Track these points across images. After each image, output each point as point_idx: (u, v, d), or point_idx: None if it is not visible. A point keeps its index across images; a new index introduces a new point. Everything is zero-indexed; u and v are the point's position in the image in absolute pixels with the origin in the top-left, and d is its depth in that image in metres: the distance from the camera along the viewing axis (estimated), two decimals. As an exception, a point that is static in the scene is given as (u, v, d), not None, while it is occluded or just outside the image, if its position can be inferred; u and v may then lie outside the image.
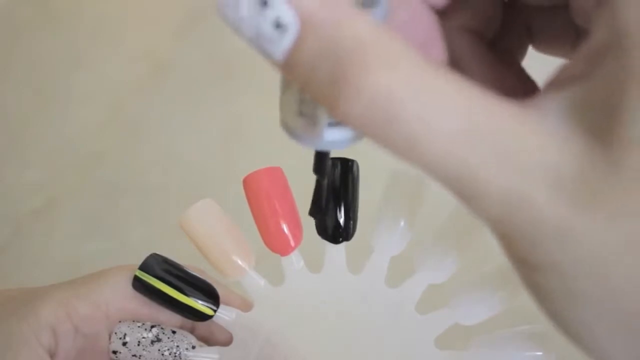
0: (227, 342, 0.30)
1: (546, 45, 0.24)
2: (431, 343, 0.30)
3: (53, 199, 0.53)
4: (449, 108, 0.17)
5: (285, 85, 0.20)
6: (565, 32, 0.24)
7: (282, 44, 0.17)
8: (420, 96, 0.17)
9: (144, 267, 0.29)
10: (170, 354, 0.28)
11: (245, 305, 0.30)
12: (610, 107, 0.17)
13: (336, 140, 0.20)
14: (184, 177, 0.53)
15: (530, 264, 0.19)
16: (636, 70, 0.17)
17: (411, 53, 0.17)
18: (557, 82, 0.19)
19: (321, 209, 0.28)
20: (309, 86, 0.18)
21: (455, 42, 0.22)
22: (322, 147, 0.20)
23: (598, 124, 0.17)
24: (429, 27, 0.22)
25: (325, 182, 0.28)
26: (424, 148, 0.17)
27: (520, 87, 0.22)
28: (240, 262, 0.30)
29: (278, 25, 0.17)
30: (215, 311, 0.29)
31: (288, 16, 0.17)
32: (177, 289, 0.29)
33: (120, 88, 0.59)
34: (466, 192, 0.18)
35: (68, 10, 0.65)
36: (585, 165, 0.17)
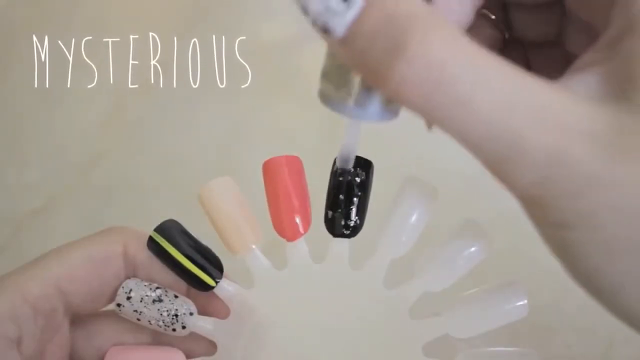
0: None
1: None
2: (419, 349, 0.30)
3: (53, 199, 0.53)
4: (498, 77, 0.20)
5: (332, 59, 0.23)
6: (556, 64, 0.27)
7: (346, 18, 0.20)
8: (471, 64, 0.20)
9: (159, 230, 0.30)
10: (168, 315, 0.30)
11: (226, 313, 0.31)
12: (631, 76, 0.20)
13: (378, 112, 0.22)
14: (183, 178, 0.53)
15: (566, 223, 0.20)
16: None
17: (458, 30, 0.20)
18: (580, 67, 0.22)
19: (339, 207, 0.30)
20: (365, 58, 0.20)
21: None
22: (366, 118, 0.23)
23: (623, 92, 0.20)
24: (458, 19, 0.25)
25: (346, 179, 0.30)
26: (473, 110, 0.20)
27: None
28: (249, 239, 0.31)
29: (345, 0, 0.20)
30: (217, 282, 0.30)
31: None
32: (185, 255, 0.30)
33: (120, 88, 0.59)
34: (509, 153, 0.20)
35: (68, 10, 0.64)
36: (615, 123, 0.20)
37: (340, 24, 0.20)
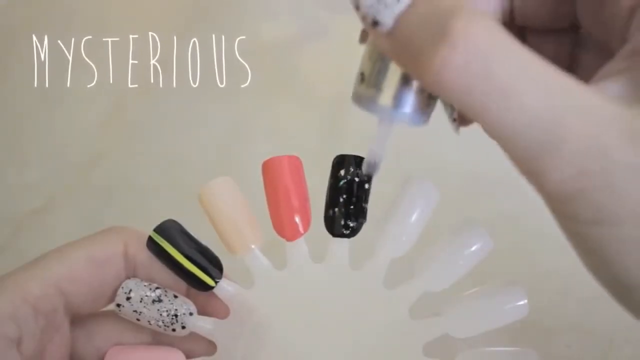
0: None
1: None
2: (419, 349, 0.30)
3: (53, 199, 0.53)
4: (538, 68, 0.20)
5: (370, 61, 0.24)
6: (561, 58, 0.28)
7: (395, 9, 0.21)
8: (513, 53, 0.20)
9: (159, 230, 0.30)
10: (168, 315, 0.30)
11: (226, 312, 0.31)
12: None
13: (411, 114, 0.23)
14: (183, 178, 0.53)
15: (602, 219, 0.20)
16: None
17: (498, 23, 0.21)
18: (603, 76, 0.22)
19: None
20: (409, 47, 0.21)
21: None
22: (399, 118, 0.24)
23: None
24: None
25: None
26: (514, 98, 0.20)
27: None
28: (248, 239, 0.31)
29: None
30: (217, 282, 0.30)
31: None
32: (185, 255, 0.30)
33: (120, 88, 0.59)
34: (548, 143, 0.20)
35: (68, 10, 0.64)
36: None
37: (389, 16, 0.21)
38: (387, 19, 0.21)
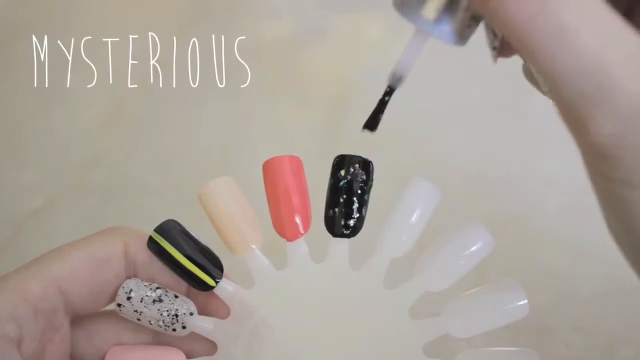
0: None
1: None
2: (419, 349, 0.30)
3: (53, 199, 0.53)
4: (602, 14, 0.20)
5: None
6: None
7: None
8: None
9: (159, 230, 0.30)
10: (168, 315, 0.30)
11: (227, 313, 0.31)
12: None
13: (450, 32, 0.22)
14: (183, 178, 0.53)
15: (636, 182, 0.20)
16: None
17: None
18: None
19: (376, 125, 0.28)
20: None
21: None
22: (437, 34, 0.23)
23: None
24: None
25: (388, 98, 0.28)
26: (573, 39, 0.19)
27: None
28: (249, 239, 0.31)
29: None
30: (217, 282, 0.30)
31: None
32: (185, 255, 0.30)
33: (120, 88, 0.59)
34: (598, 91, 0.19)
35: (67, 10, 0.64)
36: None
37: None
38: None
